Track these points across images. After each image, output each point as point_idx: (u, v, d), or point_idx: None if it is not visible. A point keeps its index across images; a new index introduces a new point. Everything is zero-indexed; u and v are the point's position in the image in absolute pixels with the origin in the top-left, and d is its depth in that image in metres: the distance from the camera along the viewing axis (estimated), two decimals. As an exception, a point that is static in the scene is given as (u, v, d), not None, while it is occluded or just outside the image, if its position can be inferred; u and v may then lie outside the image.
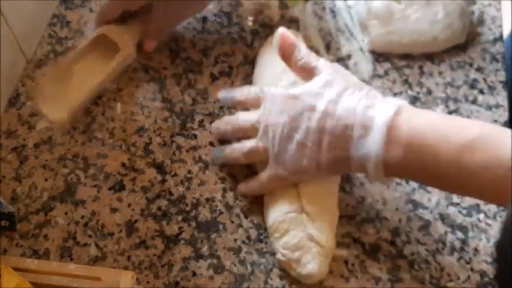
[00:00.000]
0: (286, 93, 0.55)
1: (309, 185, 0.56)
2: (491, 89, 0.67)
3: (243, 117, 0.58)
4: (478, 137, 0.48)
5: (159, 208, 0.59)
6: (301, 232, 0.54)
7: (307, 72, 0.56)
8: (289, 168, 0.55)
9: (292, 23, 0.72)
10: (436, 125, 0.50)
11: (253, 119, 0.57)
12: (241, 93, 0.60)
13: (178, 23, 0.69)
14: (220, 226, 0.58)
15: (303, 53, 0.57)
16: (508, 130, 0.48)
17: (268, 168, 0.56)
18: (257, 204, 0.59)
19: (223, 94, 0.62)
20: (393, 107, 0.51)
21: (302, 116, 0.53)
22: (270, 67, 0.63)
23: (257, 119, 0.56)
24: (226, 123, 0.60)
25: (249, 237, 0.58)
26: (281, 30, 0.57)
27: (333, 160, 0.53)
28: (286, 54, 0.57)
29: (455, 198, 0.60)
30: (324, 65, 0.56)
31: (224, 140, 0.61)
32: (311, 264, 0.53)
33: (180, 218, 0.59)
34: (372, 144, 0.50)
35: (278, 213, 0.56)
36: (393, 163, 0.50)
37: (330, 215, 0.57)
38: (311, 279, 0.54)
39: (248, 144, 0.57)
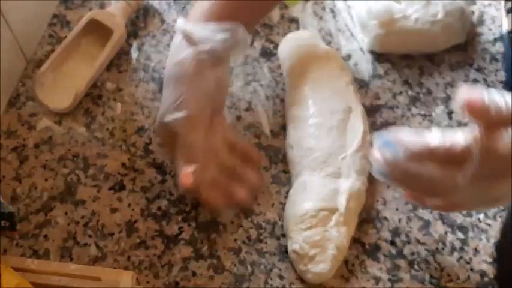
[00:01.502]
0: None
1: (355, 184, 0.57)
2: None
3: (442, 176, 0.47)
4: None
5: (159, 208, 0.59)
6: (324, 231, 0.55)
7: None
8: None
9: (292, 23, 0.72)
10: None
11: (456, 183, 0.46)
12: (423, 145, 0.46)
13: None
14: (220, 226, 0.58)
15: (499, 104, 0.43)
16: None
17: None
18: (256, 205, 0.59)
19: (387, 141, 0.48)
20: None
21: None
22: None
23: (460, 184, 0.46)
24: (412, 174, 0.48)
25: (249, 238, 0.58)
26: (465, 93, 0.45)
27: None
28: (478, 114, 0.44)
29: (455, 198, 0.60)
30: None
31: None
32: (324, 265, 0.54)
33: (180, 218, 0.59)
34: None
35: (313, 206, 0.56)
36: None
37: (355, 220, 0.57)
38: (318, 279, 0.55)
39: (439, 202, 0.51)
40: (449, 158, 0.45)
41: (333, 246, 0.54)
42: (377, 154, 0.49)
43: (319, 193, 0.56)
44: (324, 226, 0.55)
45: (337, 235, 0.55)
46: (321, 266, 0.54)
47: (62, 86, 0.65)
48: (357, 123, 0.60)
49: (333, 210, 0.55)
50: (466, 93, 0.43)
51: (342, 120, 0.60)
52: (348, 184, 0.57)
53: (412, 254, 0.57)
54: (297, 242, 0.55)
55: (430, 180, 0.47)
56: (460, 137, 0.45)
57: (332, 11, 0.73)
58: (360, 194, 0.58)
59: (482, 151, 0.43)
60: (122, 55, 0.69)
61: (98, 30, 0.67)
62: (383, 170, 0.48)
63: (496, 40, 0.70)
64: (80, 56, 0.67)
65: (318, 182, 0.57)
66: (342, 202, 0.56)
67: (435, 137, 0.46)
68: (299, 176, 0.59)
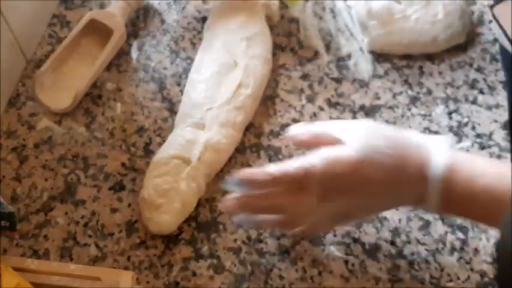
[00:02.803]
0: (335, 173, 0.49)
1: (214, 136, 0.58)
2: (491, 89, 0.67)
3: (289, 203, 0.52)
4: None
5: (159, 208, 0.59)
6: (174, 182, 0.56)
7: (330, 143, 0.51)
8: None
9: (292, 23, 0.72)
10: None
11: (305, 206, 0.52)
12: (270, 178, 0.51)
13: None
14: (220, 226, 0.58)
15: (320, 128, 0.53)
16: None
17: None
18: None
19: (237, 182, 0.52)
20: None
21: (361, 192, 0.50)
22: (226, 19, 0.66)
23: (308, 205, 0.51)
24: (261, 207, 0.53)
25: (249, 238, 0.58)
26: (292, 132, 0.54)
27: None
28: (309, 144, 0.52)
29: (455, 198, 0.60)
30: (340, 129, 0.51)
31: None
32: (166, 216, 0.55)
33: (180, 218, 0.59)
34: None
35: (166, 153, 0.58)
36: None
37: (210, 176, 0.59)
38: (159, 229, 0.56)
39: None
40: (292, 184, 0.50)
41: (179, 200, 0.56)
42: (229, 201, 0.52)
43: (175, 142, 0.58)
44: (175, 176, 0.56)
45: (185, 189, 0.56)
46: (163, 217, 0.55)
47: (62, 86, 0.65)
48: (235, 77, 0.61)
49: (186, 160, 0.57)
50: (293, 130, 0.53)
51: (217, 73, 0.62)
52: (207, 136, 0.58)
53: (412, 254, 0.57)
54: (146, 188, 0.56)
55: (280, 207, 0.52)
56: (299, 163, 0.49)
57: (332, 11, 0.73)
58: (220, 147, 0.59)
59: (320, 175, 0.48)
60: (122, 55, 0.69)
61: (98, 30, 0.67)
62: (238, 209, 0.52)
63: (495, 40, 0.70)
64: (80, 56, 0.67)
65: (177, 133, 0.59)
66: (195, 152, 0.57)
67: (272, 166, 0.50)
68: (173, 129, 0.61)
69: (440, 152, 0.48)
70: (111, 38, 0.66)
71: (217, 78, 0.62)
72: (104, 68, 0.67)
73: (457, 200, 0.48)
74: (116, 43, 0.67)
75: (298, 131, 0.53)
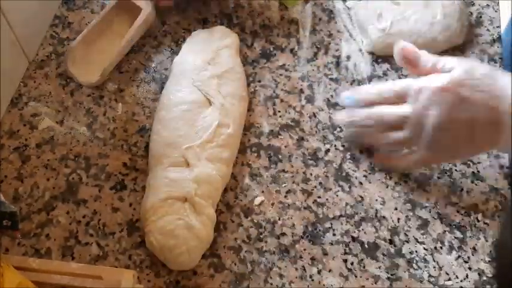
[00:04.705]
0: (436, 86, 0.55)
1: (203, 170, 0.57)
2: (490, 89, 0.67)
3: (389, 111, 0.58)
4: None
5: (160, 207, 0.59)
6: (178, 220, 0.55)
7: (437, 72, 0.57)
8: (443, 156, 0.59)
9: (292, 24, 0.72)
10: None
11: (401, 112, 0.57)
12: (375, 91, 0.60)
13: None
14: (221, 225, 0.59)
15: (428, 57, 0.58)
16: None
17: (417, 153, 0.58)
18: (257, 205, 0.60)
19: (348, 96, 0.63)
20: None
21: (457, 108, 0.54)
22: (194, 55, 0.65)
23: (405, 112, 0.57)
24: (366, 117, 0.60)
25: (249, 237, 0.58)
26: (402, 44, 0.59)
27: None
28: (412, 63, 0.59)
29: (454, 198, 0.60)
30: (452, 60, 0.57)
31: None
32: (183, 258, 0.54)
33: (180, 217, 0.59)
34: None
35: (156, 197, 0.56)
36: None
37: (213, 206, 0.58)
38: (183, 267, 0.55)
39: (396, 135, 0.58)
40: (395, 97, 0.58)
41: (193, 236, 0.54)
42: (338, 115, 0.64)
43: (161, 185, 0.57)
44: (176, 215, 0.55)
45: (195, 223, 0.55)
46: (181, 259, 0.54)
47: (93, 62, 0.67)
48: (212, 116, 0.60)
49: (181, 199, 0.56)
50: (402, 44, 0.60)
51: (188, 111, 0.60)
52: (195, 172, 0.57)
53: (411, 252, 0.57)
54: (151, 235, 0.55)
55: (381, 116, 0.59)
56: (404, 81, 0.59)
57: (331, 12, 0.73)
58: (211, 179, 0.57)
59: (417, 85, 0.56)
60: (122, 56, 0.69)
61: (129, 10, 0.68)
62: (346, 120, 0.62)
63: (494, 41, 0.71)
64: (113, 34, 0.69)
65: (157, 175, 0.58)
66: (188, 190, 0.56)
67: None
68: (149, 172, 0.60)
69: None
70: (139, 16, 0.67)
71: (190, 117, 0.60)
72: (131, 46, 0.68)
73: None
74: (144, 21, 0.67)
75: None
